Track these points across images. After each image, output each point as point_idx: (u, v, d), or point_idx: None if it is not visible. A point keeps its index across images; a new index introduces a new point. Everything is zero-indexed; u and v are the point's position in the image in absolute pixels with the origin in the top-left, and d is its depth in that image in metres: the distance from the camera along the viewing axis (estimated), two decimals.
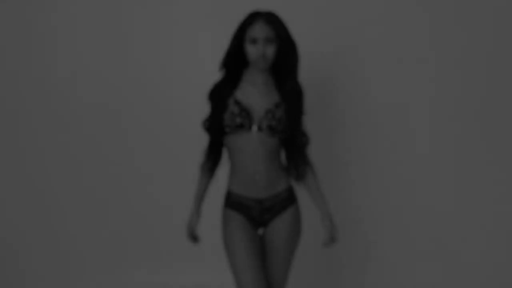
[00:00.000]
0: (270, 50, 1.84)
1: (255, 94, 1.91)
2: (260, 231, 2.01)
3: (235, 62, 1.92)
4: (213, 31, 2.84)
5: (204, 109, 2.01)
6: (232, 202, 1.97)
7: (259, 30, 1.82)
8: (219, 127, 1.90)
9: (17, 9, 2.96)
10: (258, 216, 1.95)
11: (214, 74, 2.01)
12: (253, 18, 1.85)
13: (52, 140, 3.04)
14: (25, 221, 3.10)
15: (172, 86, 2.98)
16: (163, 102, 2.99)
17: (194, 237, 2.10)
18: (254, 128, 1.87)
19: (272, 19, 1.84)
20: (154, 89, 2.98)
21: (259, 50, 1.83)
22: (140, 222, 3.08)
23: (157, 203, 3.06)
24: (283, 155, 2.00)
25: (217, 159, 2.04)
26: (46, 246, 3.11)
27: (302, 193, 2.08)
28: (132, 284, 3.03)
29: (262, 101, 1.90)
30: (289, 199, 1.97)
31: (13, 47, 3.00)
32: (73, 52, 2.98)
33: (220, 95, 1.91)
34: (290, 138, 1.91)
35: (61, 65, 2.98)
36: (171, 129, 3.00)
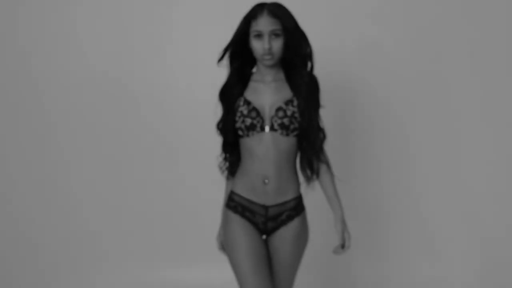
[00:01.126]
0: (277, 44, 1.73)
1: (266, 92, 1.80)
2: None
3: (242, 59, 1.82)
4: (217, 30, 2.77)
5: (207, 108, 1.93)
6: (235, 204, 1.85)
7: (263, 24, 1.71)
8: (232, 129, 1.81)
9: (18, 11, 2.96)
10: (262, 223, 1.83)
11: (218, 73, 1.92)
12: (256, 10, 1.74)
13: (52, 140, 3.03)
14: (24, 220, 3.08)
15: (176, 86, 2.98)
16: (169, 102, 2.98)
17: (224, 249, 1.97)
18: (267, 128, 1.77)
19: (277, 11, 1.72)
20: (157, 89, 2.98)
21: (264, 45, 1.71)
22: (141, 221, 3.06)
23: (157, 204, 3.04)
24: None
25: (237, 161, 1.89)
26: (45, 246, 3.09)
27: (309, 198, 1.96)
28: (132, 284, 3.00)
29: (273, 99, 1.79)
30: (296, 208, 1.84)
31: (15, 50, 2.99)
32: (74, 53, 2.97)
33: (229, 95, 1.82)
34: (305, 134, 1.78)
35: (63, 66, 2.98)
36: (175, 129, 2.98)
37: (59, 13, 2.94)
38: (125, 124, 2.99)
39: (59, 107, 3.00)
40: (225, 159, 1.91)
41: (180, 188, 2.98)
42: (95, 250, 3.06)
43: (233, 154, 1.88)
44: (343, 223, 1.86)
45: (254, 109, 1.77)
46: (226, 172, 1.94)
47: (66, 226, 3.06)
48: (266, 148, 1.76)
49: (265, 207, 1.81)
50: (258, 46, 1.74)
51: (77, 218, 3.06)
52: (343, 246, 1.85)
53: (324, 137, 1.84)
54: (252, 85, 1.84)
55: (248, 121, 1.76)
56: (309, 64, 1.81)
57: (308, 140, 1.79)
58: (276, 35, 1.72)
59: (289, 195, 1.82)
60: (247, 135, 1.78)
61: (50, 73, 2.98)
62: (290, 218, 1.82)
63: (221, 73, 1.88)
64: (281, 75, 1.84)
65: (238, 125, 1.78)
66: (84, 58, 2.96)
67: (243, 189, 1.83)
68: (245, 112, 1.77)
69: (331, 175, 1.89)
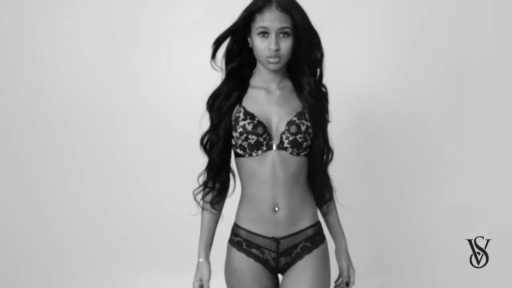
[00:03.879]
0: (286, 45, 1.44)
1: (270, 102, 1.51)
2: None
3: (239, 59, 1.52)
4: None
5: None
6: (239, 240, 1.54)
7: (271, 19, 1.43)
8: (221, 146, 1.50)
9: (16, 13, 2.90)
10: (273, 260, 1.53)
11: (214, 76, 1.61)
12: (263, 2, 1.44)
13: (49, 143, 2.96)
14: (18, 224, 3.00)
15: (171, 91, 2.90)
16: (161, 107, 2.91)
17: None
18: (274, 146, 1.47)
19: (288, 4, 1.44)
20: (152, 93, 2.91)
21: (271, 46, 1.42)
22: (135, 226, 2.97)
23: (152, 207, 2.96)
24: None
25: (223, 188, 1.58)
26: (28, 256, 3.00)
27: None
28: None
29: (281, 111, 1.50)
30: (314, 239, 1.55)
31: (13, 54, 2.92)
32: (71, 56, 2.91)
33: (221, 103, 1.51)
34: (318, 154, 1.51)
35: (60, 68, 2.92)
36: (167, 135, 2.90)
37: (52, 16, 2.89)
38: (118, 132, 2.93)
39: (44, 114, 2.93)
40: (206, 182, 1.57)
41: (176, 194, 2.76)
42: (85, 256, 2.98)
43: (218, 177, 1.55)
44: (349, 257, 1.66)
45: (260, 123, 1.47)
46: (202, 202, 1.60)
47: (60, 231, 2.98)
48: (272, 170, 1.47)
49: (276, 240, 1.51)
50: (262, 46, 1.44)
51: (70, 224, 2.98)
52: (347, 283, 1.65)
53: (331, 157, 1.58)
54: (251, 93, 1.54)
55: (254, 138, 1.46)
56: (318, 71, 1.54)
57: (321, 161, 1.53)
58: (286, 34, 1.44)
59: (305, 223, 1.54)
60: (250, 155, 1.48)
61: (40, 75, 2.92)
62: (306, 250, 1.53)
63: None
64: (287, 83, 1.55)
65: (239, 142, 1.48)
66: (76, 63, 2.91)
67: (248, 221, 1.53)
68: (248, 127, 1.46)
69: (335, 202, 1.66)
